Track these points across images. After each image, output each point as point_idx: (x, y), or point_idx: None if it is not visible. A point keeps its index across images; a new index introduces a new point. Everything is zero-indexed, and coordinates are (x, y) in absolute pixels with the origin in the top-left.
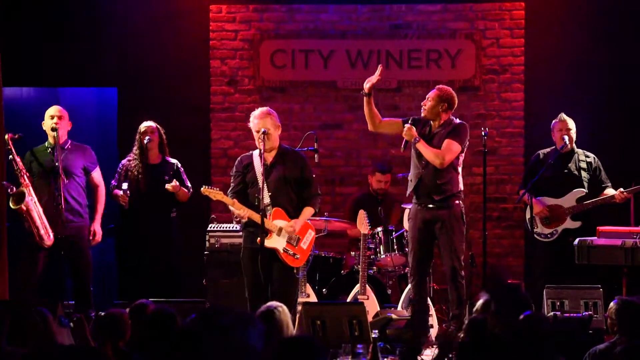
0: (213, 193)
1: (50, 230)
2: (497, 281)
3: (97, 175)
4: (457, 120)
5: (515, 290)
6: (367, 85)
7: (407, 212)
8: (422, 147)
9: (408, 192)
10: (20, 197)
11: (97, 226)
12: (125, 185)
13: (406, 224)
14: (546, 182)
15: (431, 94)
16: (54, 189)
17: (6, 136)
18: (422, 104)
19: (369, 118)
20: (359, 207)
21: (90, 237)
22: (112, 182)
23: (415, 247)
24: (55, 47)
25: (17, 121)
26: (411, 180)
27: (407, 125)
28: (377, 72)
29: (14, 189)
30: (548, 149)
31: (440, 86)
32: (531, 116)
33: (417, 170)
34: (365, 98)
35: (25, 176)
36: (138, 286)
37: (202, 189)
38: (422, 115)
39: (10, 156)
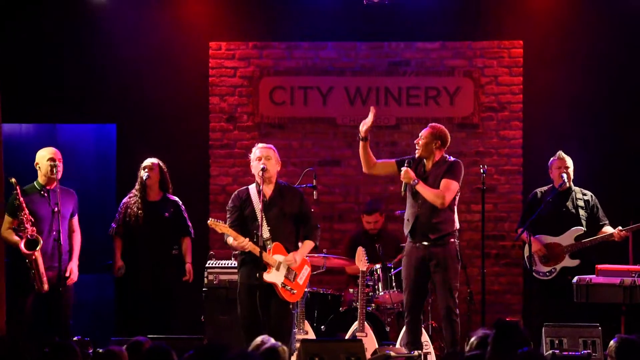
0: (220, 226)
1: (46, 278)
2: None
3: (76, 220)
4: (451, 158)
5: (514, 327)
6: (363, 129)
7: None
8: (422, 188)
9: (406, 232)
10: (34, 244)
11: (74, 266)
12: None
13: None
14: (544, 220)
15: (424, 132)
16: (50, 231)
17: (12, 180)
18: (415, 142)
19: (364, 161)
20: (356, 244)
21: (67, 275)
22: (112, 224)
23: (410, 285)
24: (54, 84)
25: (15, 158)
26: (408, 220)
27: (404, 169)
28: (371, 115)
29: (29, 232)
30: (546, 187)
31: (433, 124)
32: (529, 154)
33: (413, 209)
34: (361, 142)
35: (30, 222)
36: (136, 323)
37: (209, 221)
38: (416, 154)
39: (17, 201)
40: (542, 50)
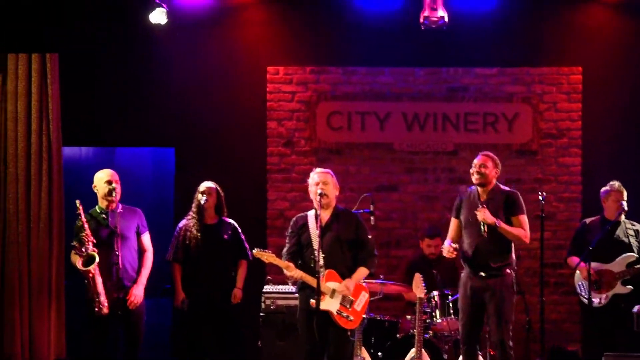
0: (265, 256)
1: (106, 300)
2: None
3: (146, 238)
4: (506, 188)
5: (572, 357)
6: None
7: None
8: (505, 229)
9: (464, 263)
10: (90, 260)
11: (136, 289)
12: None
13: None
14: (595, 249)
15: (486, 161)
16: (111, 253)
17: (77, 202)
18: (475, 170)
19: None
20: (414, 270)
21: (128, 297)
22: (169, 249)
23: (466, 317)
24: (113, 108)
25: (75, 180)
26: (466, 251)
27: (480, 209)
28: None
29: (84, 250)
30: (593, 218)
31: (487, 152)
32: (589, 181)
33: (471, 239)
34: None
35: (91, 243)
36: (194, 347)
37: (254, 251)
38: (476, 181)
39: (80, 222)
40: (602, 76)
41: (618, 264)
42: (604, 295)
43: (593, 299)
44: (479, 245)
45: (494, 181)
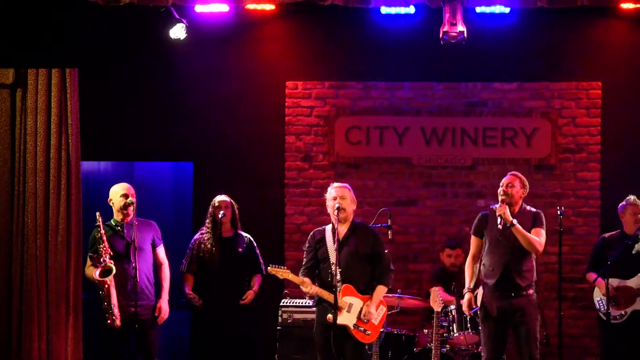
0: (280, 272)
1: (119, 312)
2: None
3: (161, 251)
4: (532, 209)
5: None
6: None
7: (479, 290)
8: (520, 231)
9: (490, 282)
10: (107, 272)
11: (164, 303)
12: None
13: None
14: (614, 264)
15: (513, 180)
16: (126, 266)
17: (97, 214)
18: (502, 190)
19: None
20: (437, 282)
21: (156, 314)
22: (183, 261)
23: (491, 337)
24: (132, 122)
25: (93, 194)
26: (492, 270)
27: (501, 205)
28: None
29: (102, 261)
30: (613, 232)
31: (516, 172)
32: (607, 196)
33: (497, 257)
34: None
35: (108, 255)
36: (210, 358)
37: (268, 268)
38: (503, 200)
39: (98, 234)
40: (621, 91)
41: (637, 280)
42: (623, 312)
43: (612, 315)
44: (505, 264)
45: (520, 202)
